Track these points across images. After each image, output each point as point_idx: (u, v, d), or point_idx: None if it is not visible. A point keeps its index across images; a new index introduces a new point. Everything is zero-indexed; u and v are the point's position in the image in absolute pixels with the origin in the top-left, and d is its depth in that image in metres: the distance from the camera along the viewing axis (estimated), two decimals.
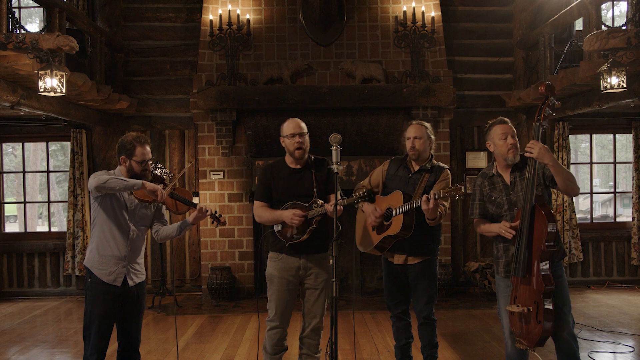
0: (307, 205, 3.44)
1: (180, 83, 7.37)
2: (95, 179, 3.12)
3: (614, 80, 4.59)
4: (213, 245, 6.96)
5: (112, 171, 3.34)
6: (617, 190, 8.65)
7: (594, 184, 8.87)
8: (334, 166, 3.14)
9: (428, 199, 3.30)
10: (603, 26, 5.22)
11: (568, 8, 5.78)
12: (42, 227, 13.81)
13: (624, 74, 4.56)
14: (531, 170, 3.01)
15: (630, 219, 7.66)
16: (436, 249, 3.75)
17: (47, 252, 7.39)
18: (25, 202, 7.94)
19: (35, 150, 13.04)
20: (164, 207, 3.48)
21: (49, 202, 8.25)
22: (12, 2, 5.18)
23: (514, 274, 3.06)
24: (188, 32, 7.35)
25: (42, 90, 4.53)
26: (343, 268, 7.06)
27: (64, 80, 4.58)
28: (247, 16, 6.81)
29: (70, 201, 7.17)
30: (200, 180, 6.97)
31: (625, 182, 14.01)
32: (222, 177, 6.95)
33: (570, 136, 7.38)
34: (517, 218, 3.08)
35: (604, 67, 4.62)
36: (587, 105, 6.01)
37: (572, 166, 7.64)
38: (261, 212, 3.56)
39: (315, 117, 6.64)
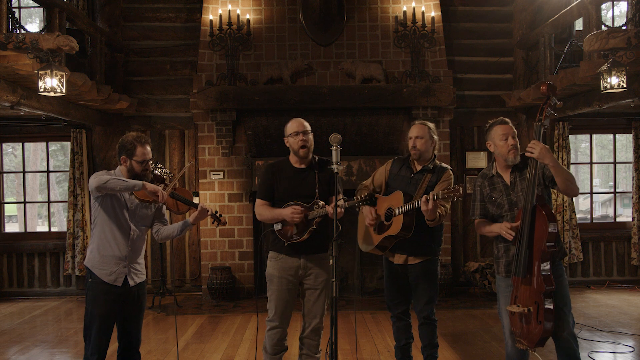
0: (308, 205, 3.44)
1: (180, 83, 7.37)
2: (95, 179, 3.12)
3: (614, 80, 4.59)
4: (213, 245, 6.97)
5: (112, 171, 3.34)
6: (617, 190, 8.65)
7: (594, 184, 8.87)
8: (334, 166, 3.14)
9: (427, 200, 3.30)
10: (603, 26, 5.22)
11: (568, 8, 5.77)
12: (42, 227, 13.81)
13: (624, 74, 4.56)
14: (532, 171, 3.01)
15: (630, 219, 7.66)
16: (437, 249, 3.74)
17: (47, 252, 7.39)
18: (25, 202, 7.95)
19: (35, 150, 13.04)
20: (164, 207, 3.48)
21: (49, 202, 8.25)
22: (12, 2, 5.17)
23: (515, 274, 3.06)
24: (188, 32, 7.35)
25: (42, 90, 4.52)
26: (343, 268, 7.06)
27: (64, 80, 4.58)
28: (247, 16, 6.81)
29: (70, 201, 7.17)
30: (200, 180, 6.97)
31: (625, 182, 14.01)
32: (222, 177, 6.95)
33: (570, 136, 7.38)
34: (518, 218, 3.08)
35: (604, 67, 4.62)
36: (587, 105, 6.01)
37: (572, 166, 7.64)
38: (262, 210, 3.56)
39: (315, 117, 6.64)
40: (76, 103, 6.18)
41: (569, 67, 6.00)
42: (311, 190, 3.48)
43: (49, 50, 4.45)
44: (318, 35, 6.89)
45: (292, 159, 3.57)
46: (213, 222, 3.45)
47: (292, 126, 3.52)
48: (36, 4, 5.91)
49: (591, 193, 8.02)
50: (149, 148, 3.31)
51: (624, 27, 4.87)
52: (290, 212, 3.39)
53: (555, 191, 6.26)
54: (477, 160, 7.29)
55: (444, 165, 3.75)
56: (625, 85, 4.60)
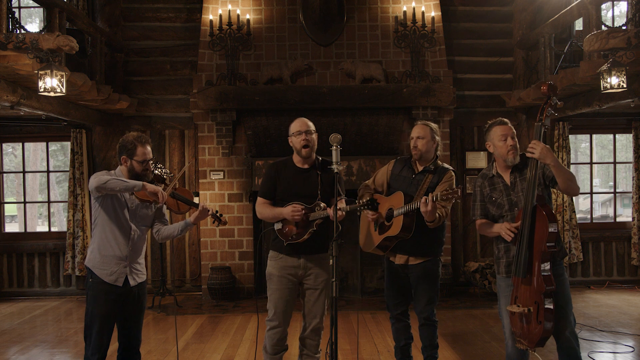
0: (309, 206, 3.43)
1: (180, 83, 7.37)
2: (95, 179, 3.12)
3: (614, 80, 4.59)
4: (213, 245, 6.97)
5: (112, 171, 3.34)
6: (617, 190, 8.65)
7: (594, 184, 8.88)
8: (334, 166, 3.14)
9: (426, 202, 3.30)
10: (603, 26, 5.22)
11: (568, 8, 5.77)
12: (42, 227, 13.81)
13: (624, 74, 4.56)
14: (532, 171, 3.00)
15: (630, 219, 7.66)
16: (439, 250, 3.73)
17: (47, 252, 7.39)
18: (25, 202, 7.94)
19: (35, 150, 13.04)
20: (165, 206, 3.48)
21: (49, 202, 8.25)
22: (12, 2, 5.17)
23: (515, 274, 3.06)
24: (188, 32, 7.35)
25: (42, 90, 4.52)
26: (343, 268, 7.06)
27: (64, 80, 4.58)
28: (247, 16, 6.81)
29: (70, 201, 7.17)
30: (200, 180, 6.97)
31: (625, 182, 14.02)
32: (222, 177, 6.95)
33: (570, 136, 7.38)
34: (518, 218, 3.08)
35: (604, 67, 4.62)
36: (587, 105, 6.01)
37: (572, 166, 7.64)
38: (262, 208, 3.55)
39: (315, 117, 6.59)
40: (76, 103, 6.18)
41: (569, 67, 6.00)
42: (313, 190, 3.47)
43: (49, 50, 4.45)
44: (318, 35, 6.89)
45: (295, 158, 3.56)
46: (214, 222, 3.45)
47: (295, 125, 3.51)
48: (36, 4, 5.91)
49: (591, 193, 8.02)
50: (149, 148, 3.31)
51: (624, 27, 4.88)
52: (290, 210, 3.39)
53: (555, 191, 6.27)
54: (477, 160, 7.29)
55: (446, 166, 3.73)
56: (625, 85, 4.60)
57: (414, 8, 6.77)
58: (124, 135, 3.37)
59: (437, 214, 3.45)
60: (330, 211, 3.29)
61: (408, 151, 6.80)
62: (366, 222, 3.84)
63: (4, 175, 7.84)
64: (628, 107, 6.53)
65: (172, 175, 3.59)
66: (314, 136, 3.50)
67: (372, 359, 4.64)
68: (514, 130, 3.28)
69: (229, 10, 6.82)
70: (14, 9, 5.03)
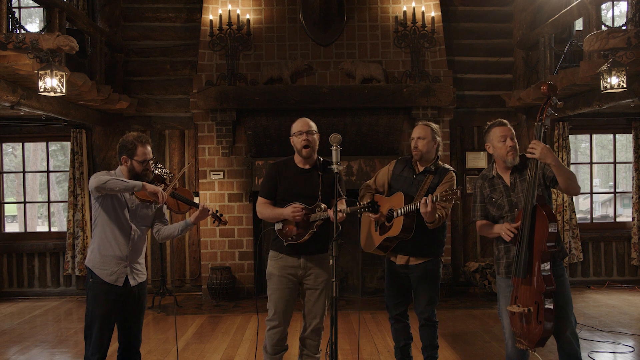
0: (310, 208, 3.43)
1: (180, 83, 7.37)
2: (95, 180, 3.12)
3: (614, 80, 4.59)
4: (213, 245, 6.96)
5: (112, 171, 3.34)
6: (617, 190, 8.65)
7: (594, 184, 8.88)
8: (334, 166, 3.14)
9: (426, 203, 3.30)
10: (603, 26, 5.22)
11: (568, 8, 5.77)
12: (42, 227, 13.81)
13: (624, 74, 4.56)
14: (532, 171, 3.00)
15: (630, 219, 7.66)
16: (440, 250, 3.72)
17: (47, 252, 7.39)
18: (25, 202, 7.94)
19: (35, 150, 13.04)
20: (165, 206, 3.48)
21: (49, 202, 8.25)
22: (12, 2, 5.17)
23: (515, 274, 3.06)
24: (188, 32, 7.35)
25: (42, 90, 4.52)
26: (343, 268, 7.06)
27: (64, 80, 4.58)
28: (247, 16, 6.81)
29: (70, 201, 7.17)
30: (200, 180, 6.97)
31: (625, 182, 14.02)
32: (222, 177, 6.95)
33: (570, 136, 7.38)
34: (518, 219, 3.08)
35: (604, 67, 4.62)
36: (587, 105, 6.01)
37: (572, 166, 7.64)
38: (263, 208, 3.55)
39: (315, 117, 6.55)
40: (76, 103, 6.18)
41: (569, 67, 6.00)
42: (314, 191, 3.46)
43: (49, 50, 4.45)
44: (318, 35, 6.89)
45: (297, 158, 3.56)
46: (214, 222, 3.45)
47: (297, 125, 3.51)
48: (36, 4, 5.91)
49: (591, 193, 8.02)
50: (149, 148, 3.31)
51: (624, 27, 4.88)
52: (291, 210, 3.38)
53: (555, 191, 6.27)
54: (477, 160, 7.29)
55: (447, 166, 3.72)
56: (625, 85, 4.60)
57: (414, 8, 6.77)
58: (124, 135, 3.37)
59: (437, 215, 3.44)
60: (330, 212, 3.28)
61: (408, 151, 6.81)
62: (367, 222, 3.84)
63: (4, 175, 7.84)
64: (628, 107, 6.53)
65: (172, 175, 3.59)
66: (315, 137, 3.50)
67: (372, 359, 4.64)
68: (513, 131, 3.27)
69: (229, 10, 6.82)
70: (14, 9, 5.03)
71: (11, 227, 13.02)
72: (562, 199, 7.23)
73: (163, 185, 3.39)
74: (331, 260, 2.97)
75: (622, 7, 11.51)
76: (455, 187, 3.32)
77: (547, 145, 2.95)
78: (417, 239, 3.56)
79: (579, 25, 6.70)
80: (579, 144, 14.81)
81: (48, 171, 8.26)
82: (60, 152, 14.54)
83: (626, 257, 7.54)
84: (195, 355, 4.79)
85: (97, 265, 3.26)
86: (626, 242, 7.53)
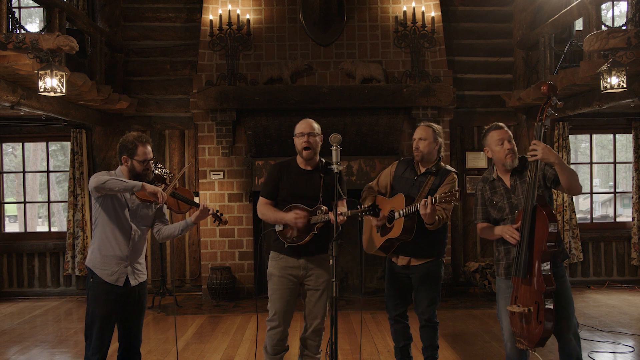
0: (310, 209, 3.43)
1: (180, 83, 7.37)
2: (95, 180, 3.13)
3: (614, 80, 4.59)
4: (213, 245, 6.96)
5: (113, 171, 3.34)
6: (617, 190, 8.65)
7: (594, 184, 8.88)
8: (334, 166, 3.13)
9: (425, 204, 3.30)
10: (603, 26, 5.22)
11: (568, 8, 5.78)
12: (42, 227, 13.82)
13: (624, 74, 4.56)
14: (532, 173, 3.00)
15: (630, 219, 7.66)
16: (441, 251, 3.72)
17: (47, 252, 7.39)
18: (25, 202, 7.94)
19: (35, 150, 13.04)
20: (165, 206, 3.48)
21: (49, 202, 8.25)
22: (12, 2, 5.17)
23: (515, 274, 3.06)
24: (188, 32, 7.35)
25: (42, 90, 4.52)
26: (343, 268, 7.06)
27: (64, 80, 4.58)
28: (247, 16, 6.81)
29: (70, 201, 7.17)
30: (200, 180, 6.97)
31: (625, 182, 14.02)
32: (222, 177, 6.95)
33: (570, 136, 7.38)
34: (519, 219, 3.08)
35: (604, 67, 4.62)
36: (587, 105, 6.01)
37: (572, 166, 7.63)
38: (265, 209, 3.55)
39: (315, 117, 6.51)
40: (76, 103, 6.18)
41: (569, 67, 6.00)
42: (315, 193, 3.46)
43: (49, 50, 4.45)
44: (318, 35, 6.89)
45: (299, 159, 3.56)
46: (214, 221, 3.45)
47: (299, 127, 3.51)
48: (36, 4, 5.91)
49: (591, 193, 8.02)
50: (149, 148, 3.32)
51: (624, 27, 4.88)
52: (293, 217, 3.37)
53: (555, 191, 6.27)
54: (477, 160, 7.29)
55: (448, 167, 3.71)
56: (625, 85, 4.60)
57: (414, 8, 6.77)
58: (124, 135, 3.37)
59: (436, 217, 3.44)
60: (331, 215, 3.28)
61: (408, 151, 6.82)
62: (369, 224, 3.84)
63: (4, 175, 7.84)
64: (628, 107, 6.53)
65: (172, 175, 3.59)
66: (317, 138, 3.49)
67: (372, 359, 4.64)
68: (510, 134, 3.27)
69: (229, 10, 6.82)
70: (14, 9, 5.03)
71: (11, 227, 13.03)
72: (562, 199, 7.23)
73: (163, 185, 3.39)
74: (331, 260, 2.97)
75: (622, 7, 11.51)
76: (455, 189, 3.32)
77: (548, 145, 2.95)
78: (418, 240, 3.55)
79: (579, 25, 6.70)
80: (579, 144, 14.81)
81: (48, 171, 8.26)
82: (60, 152, 14.54)
83: (626, 257, 7.54)
84: (195, 355, 4.79)
85: (98, 266, 3.26)
86: (626, 242, 7.53)
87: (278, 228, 3.50)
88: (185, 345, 5.10)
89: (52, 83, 4.49)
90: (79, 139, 7.14)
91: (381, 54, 6.95)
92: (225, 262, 6.94)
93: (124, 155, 3.29)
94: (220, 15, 6.80)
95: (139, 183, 3.15)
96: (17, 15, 5.30)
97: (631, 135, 7.54)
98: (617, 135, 7.99)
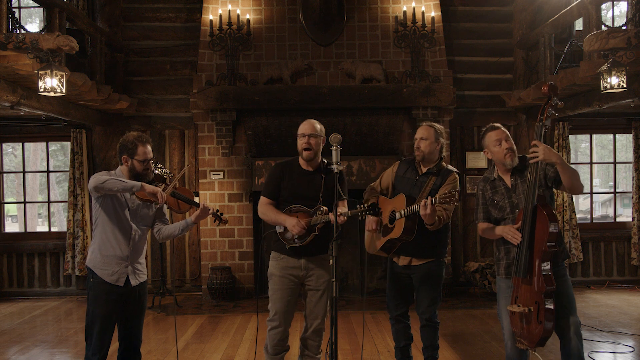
0: (310, 210, 3.43)
1: (180, 83, 7.37)
2: (94, 180, 3.13)
3: (614, 80, 4.59)
4: (213, 245, 6.96)
5: (113, 172, 3.34)
6: (617, 190, 8.65)
7: (594, 184, 8.87)
8: (334, 166, 3.13)
9: (425, 205, 3.30)
10: (603, 26, 5.22)
11: (568, 8, 5.78)
12: (42, 227, 13.81)
13: (624, 74, 4.56)
14: (533, 174, 3.00)
15: (630, 219, 7.66)
16: (442, 251, 3.72)
17: (47, 252, 7.39)
18: (25, 202, 7.95)
19: (35, 150, 13.04)
20: (165, 206, 3.48)
21: (49, 202, 8.25)
22: (12, 2, 5.17)
23: (515, 274, 3.06)
24: (188, 32, 7.35)
25: (42, 90, 4.52)
26: (343, 268, 7.06)
27: (64, 80, 4.58)
28: (247, 16, 6.81)
29: (70, 201, 7.17)
30: (200, 180, 6.97)
31: (625, 182, 14.02)
32: (222, 177, 6.95)
33: (570, 136, 7.38)
34: (519, 219, 3.08)
35: (604, 67, 4.62)
36: (587, 105, 6.01)
37: (572, 166, 7.63)
38: (266, 209, 3.55)
39: (315, 117, 6.48)
40: (76, 103, 6.18)
41: (569, 67, 6.00)
42: (316, 193, 3.46)
43: (49, 50, 4.44)
44: (318, 35, 6.89)
45: (301, 160, 3.56)
46: (215, 221, 3.45)
47: (301, 127, 3.51)
48: (36, 4, 5.91)
49: (591, 193, 8.02)
50: (150, 147, 3.32)
51: (624, 27, 4.88)
52: (294, 223, 3.37)
53: (555, 191, 6.27)
54: (477, 160, 7.29)
55: (450, 167, 3.70)
56: (625, 85, 4.60)
57: (414, 8, 6.77)
58: (124, 135, 3.37)
59: (437, 217, 3.44)
60: (332, 216, 3.28)
61: (408, 151, 6.82)
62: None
63: (4, 175, 7.84)
64: (628, 107, 6.53)
65: (172, 175, 3.59)
66: (319, 140, 3.48)
67: (372, 359, 4.64)
68: (507, 133, 3.27)
69: (229, 10, 6.82)
70: (14, 9, 5.04)
71: (11, 227, 13.02)
72: (562, 199, 7.23)
73: (163, 185, 3.39)
74: (331, 261, 2.97)
75: (622, 7, 11.51)
76: (456, 189, 3.31)
77: (548, 145, 2.95)
78: (420, 240, 3.55)
79: (579, 25, 6.70)
80: (579, 144, 14.81)
81: (48, 171, 8.26)
82: (60, 152, 14.54)
83: (626, 257, 7.54)
84: (195, 355, 4.79)
85: (98, 266, 3.26)
86: (626, 242, 7.53)
87: (279, 230, 3.50)
88: (185, 345, 5.10)
89: (52, 83, 4.49)
90: (79, 139, 7.14)
91: (381, 54, 6.95)
92: (225, 262, 6.94)
93: (124, 155, 3.29)
94: (220, 15, 6.80)
95: (138, 183, 3.15)
96: (17, 15, 5.30)
97: (631, 135, 7.54)
98: (617, 135, 8.00)
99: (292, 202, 3.47)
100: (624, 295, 6.89)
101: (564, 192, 7.14)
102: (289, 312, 3.52)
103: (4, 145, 7.85)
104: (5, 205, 8.00)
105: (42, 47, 4.41)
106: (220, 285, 6.71)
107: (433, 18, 6.83)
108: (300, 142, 3.48)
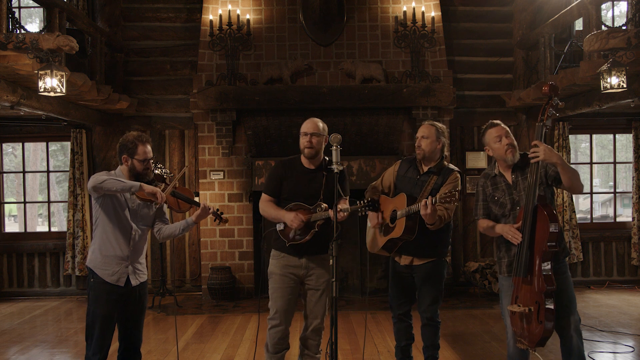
0: (311, 207, 3.43)
1: (180, 83, 7.37)
2: (93, 180, 3.13)
3: (614, 80, 4.59)
4: (213, 245, 6.96)
5: (112, 172, 3.34)
6: (617, 190, 8.65)
7: (594, 184, 8.88)
8: (334, 166, 3.13)
9: (426, 205, 3.29)
10: (603, 26, 5.22)
11: (568, 8, 5.78)
12: (42, 227, 13.81)
13: (624, 74, 4.56)
14: (533, 175, 3.00)
15: (630, 219, 7.66)
16: (444, 251, 3.71)
17: (47, 252, 7.38)
18: (25, 202, 7.95)
19: (35, 150, 13.04)
20: (165, 205, 3.48)
21: (49, 202, 8.25)
22: (12, 2, 5.17)
23: (516, 273, 3.06)
24: (188, 32, 7.35)
25: (42, 90, 4.52)
26: (343, 268, 7.06)
27: (64, 80, 4.58)
28: (247, 16, 6.81)
29: (70, 201, 7.17)
30: (200, 181, 6.97)
31: (625, 182, 14.02)
32: (222, 177, 6.94)
33: (570, 136, 7.38)
34: (520, 219, 3.08)
35: (604, 67, 4.61)
36: (587, 105, 6.01)
37: (572, 166, 7.63)
38: (266, 206, 3.55)
39: (316, 117, 6.63)
40: (76, 103, 6.18)
41: (569, 67, 6.00)
42: (316, 191, 3.46)
43: (49, 50, 4.44)
44: (318, 35, 6.89)
45: (303, 158, 3.56)
46: (215, 220, 3.46)
47: (303, 126, 3.52)
48: (36, 4, 5.91)
49: (591, 193, 8.02)
50: (149, 147, 3.32)
51: (624, 27, 4.88)
52: (292, 217, 3.38)
53: (555, 190, 6.27)
54: (477, 160, 7.29)
55: (451, 167, 3.69)
56: (625, 85, 4.60)
57: (414, 8, 6.77)
58: (124, 135, 3.37)
59: (438, 217, 3.43)
60: (331, 212, 3.28)
61: (408, 151, 6.82)
62: None
63: (4, 175, 7.84)
64: (628, 107, 6.53)
65: (172, 175, 3.60)
66: (321, 138, 3.48)
67: (372, 359, 4.63)
68: (508, 129, 3.28)
69: (229, 10, 6.82)
70: (14, 9, 5.03)
71: (11, 227, 13.02)
72: (562, 199, 7.23)
73: (163, 185, 3.39)
74: (331, 260, 2.97)
75: (622, 7, 11.51)
76: (458, 188, 3.31)
77: (548, 146, 2.95)
78: (421, 240, 3.55)
79: (579, 25, 6.70)
80: (579, 144, 14.81)
81: (48, 171, 8.26)
82: (60, 152, 14.53)
83: (626, 257, 7.54)
84: (195, 355, 4.79)
85: (99, 266, 3.26)
86: (626, 242, 7.53)
87: (279, 227, 3.51)
88: (185, 345, 5.10)
89: (52, 83, 4.49)
90: (79, 139, 7.14)
91: (381, 54, 6.95)
92: (225, 262, 6.94)
93: (124, 154, 3.29)
94: (220, 15, 6.80)
95: (137, 183, 3.14)
96: (17, 15, 5.30)
97: (631, 135, 7.54)
98: (617, 135, 8.00)
99: (293, 199, 3.47)
100: (624, 295, 6.89)
101: (564, 192, 7.14)
102: (289, 311, 3.53)
103: (4, 145, 7.85)
104: (6, 205, 8.00)
105: (42, 47, 4.41)
106: (220, 285, 6.71)
107: (433, 18, 6.83)
108: (303, 141, 3.48)
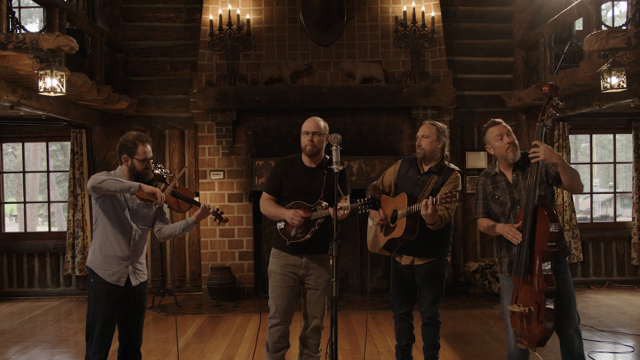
0: (311, 206, 3.43)
1: (180, 83, 7.37)
2: (92, 180, 3.13)
3: (614, 80, 4.59)
4: (213, 245, 6.96)
5: (112, 172, 3.34)
6: (617, 190, 8.65)
7: (594, 184, 8.88)
8: (334, 166, 3.13)
9: (426, 205, 3.29)
10: (603, 26, 5.22)
11: (568, 8, 5.78)
12: (42, 227, 13.81)
13: (624, 74, 4.56)
14: (534, 174, 3.00)
15: (630, 219, 7.66)
16: (445, 250, 3.71)
17: (47, 252, 7.38)
18: (25, 202, 7.95)
19: (35, 150, 13.04)
20: (165, 205, 3.48)
21: (49, 202, 8.25)
22: (12, 2, 5.17)
23: (516, 273, 3.06)
24: (188, 32, 7.35)
25: (42, 90, 4.52)
26: (343, 268, 7.06)
27: (64, 80, 4.58)
28: (247, 16, 6.81)
29: (70, 201, 7.17)
30: (200, 181, 6.97)
31: (625, 182, 14.02)
32: (222, 177, 6.94)
33: (570, 136, 7.38)
34: (520, 218, 3.08)
35: (604, 67, 4.61)
36: (587, 105, 6.01)
37: (572, 166, 7.63)
38: (266, 205, 3.56)
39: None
40: (76, 103, 6.18)
41: (569, 67, 6.00)
42: (317, 190, 3.47)
43: (49, 50, 4.44)
44: (318, 35, 6.89)
45: (304, 157, 3.56)
46: (215, 220, 3.46)
47: (305, 124, 3.52)
48: (36, 4, 5.91)
49: (591, 193, 8.02)
50: (149, 147, 3.32)
51: (624, 27, 4.88)
52: (291, 214, 3.38)
53: (556, 190, 6.27)
54: (477, 160, 7.29)
55: (452, 166, 3.69)
56: (625, 85, 4.60)
57: (414, 8, 6.77)
58: (124, 135, 3.37)
59: (438, 216, 3.43)
60: (331, 210, 3.28)
61: (408, 151, 6.81)
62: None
63: (4, 175, 7.84)
64: (628, 107, 6.52)
65: (172, 175, 3.60)
66: (322, 137, 3.48)
67: (372, 359, 4.63)
68: (509, 128, 3.28)
69: (229, 10, 6.82)
70: (14, 9, 5.03)
71: (11, 227, 13.02)
72: (562, 199, 7.23)
73: (163, 184, 3.39)
74: (331, 260, 2.97)
75: (622, 7, 11.51)
76: (458, 188, 3.31)
77: (549, 146, 2.95)
78: (422, 239, 3.55)
79: (579, 25, 6.70)
80: (579, 144, 14.81)
81: (48, 171, 8.26)
82: (60, 152, 14.53)
83: (626, 257, 7.54)
84: (195, 355, 4.79)
85: (99, 266, 3.27)
86: (626, 242, 7.53)
87: (280, 226, 3.51)
88: (185, 345, 5.10)
89: (52, 83, 4.49)
90: (79, 139, 7.14)
91: (381, 54, 6.95)
92: (225, 262, 6.94)
93: (124, 154, 3.29)
94: (220, 15, 6.80)
95: (136, 184, 3.15)
96: (17, 15, 5.30)
97: (631, 135, 7.54)
98: (617, 135, 7.99)
99: (293, 198, 3.48)
100: (624, 295, 6.89)
101: (564, 192, 7.14)
102: (289, 310, 3.53)
103: (4, 145, 7.85)
104: (6, 205, 8.00)
105: (42, 47, 4.41)
106: (220, 285, 6.71)
107: (433, 18, 6.83)
108: (304, 140, 3.48)
